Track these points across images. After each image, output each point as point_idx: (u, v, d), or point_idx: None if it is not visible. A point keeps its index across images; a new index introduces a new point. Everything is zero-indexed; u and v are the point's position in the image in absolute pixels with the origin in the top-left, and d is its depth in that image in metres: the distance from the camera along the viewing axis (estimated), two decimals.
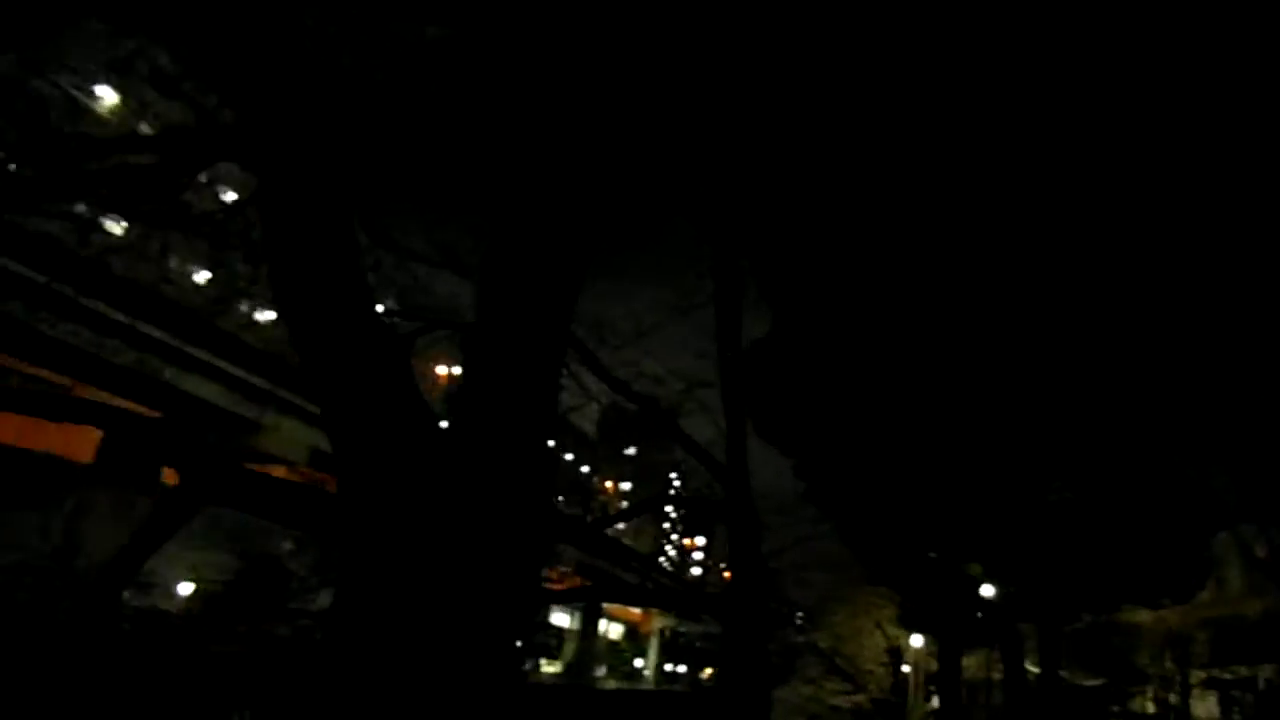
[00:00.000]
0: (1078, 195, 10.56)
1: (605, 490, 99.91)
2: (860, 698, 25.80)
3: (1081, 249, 11.51)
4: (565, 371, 9.79)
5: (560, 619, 69.53)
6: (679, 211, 11.56)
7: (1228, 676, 28.98)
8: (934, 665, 24.86)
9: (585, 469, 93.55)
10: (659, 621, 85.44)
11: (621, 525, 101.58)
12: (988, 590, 19.82)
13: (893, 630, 25.65)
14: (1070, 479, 16.10)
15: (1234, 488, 15.82)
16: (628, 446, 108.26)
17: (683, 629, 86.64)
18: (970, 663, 31.77)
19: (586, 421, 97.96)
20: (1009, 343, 14.51)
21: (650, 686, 71.23)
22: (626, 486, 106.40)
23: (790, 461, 18.31)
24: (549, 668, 60.51)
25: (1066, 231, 11.20)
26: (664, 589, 67.58)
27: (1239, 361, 13.53)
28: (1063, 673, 18.11)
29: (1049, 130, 9.63)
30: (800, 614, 32.37)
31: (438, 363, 27.76)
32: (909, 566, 17.98)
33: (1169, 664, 30.09)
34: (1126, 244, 11.16)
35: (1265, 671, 27.66)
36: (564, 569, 55.36)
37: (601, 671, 75.14)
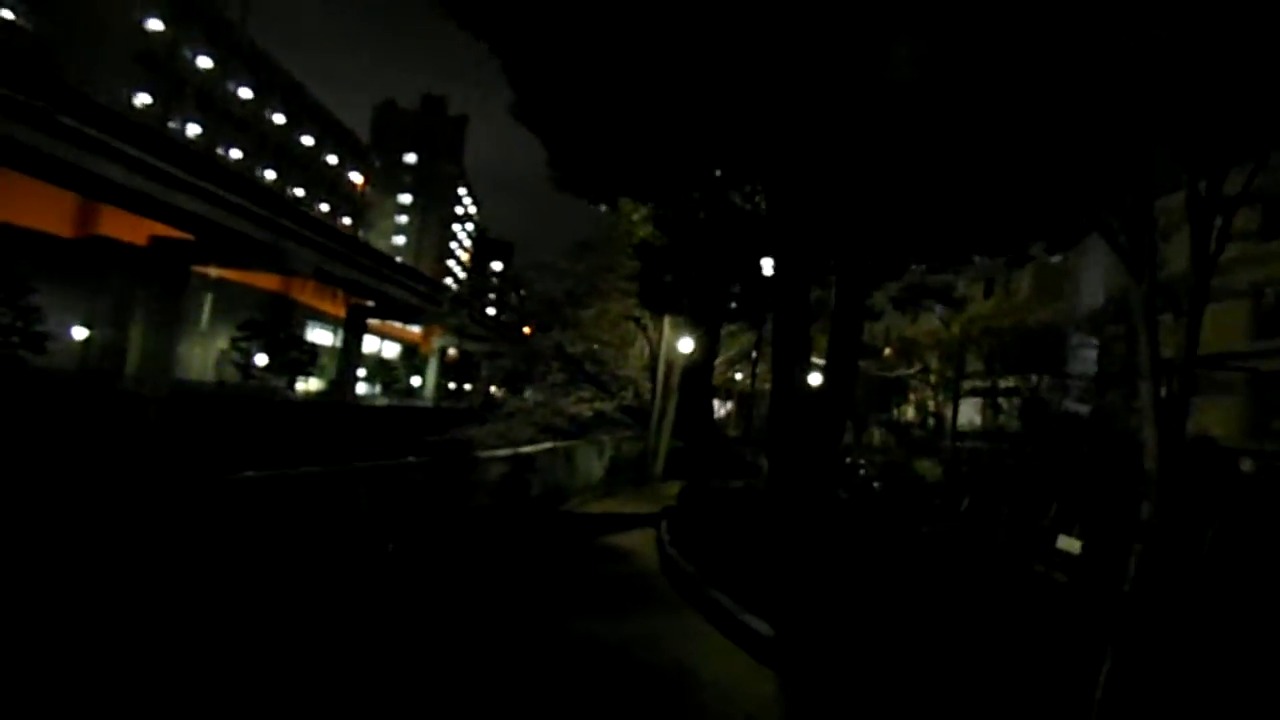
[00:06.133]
0: None
1: (360, 189, 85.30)
2: (607, 404, 21.22)
3: None
4: None
5: (321, 336, 63.57)
6: None
7: (1008, 384, 27.38)
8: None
9: (353, 175, 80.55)
10: (439, 341, 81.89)
11: (400, 240, 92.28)
12: (767, 264, 14.62)
13: (653, 325, 20.69)
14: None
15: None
16: (406, 153, 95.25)
17: (468, 348, 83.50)
18: (744, 378, 28.53)
19: (358, 123, 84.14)
20: None
21: (428, 404, 68.73)
22: (406, 199, 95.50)
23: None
24: (305, 385, 55.08)
25: None
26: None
27: None
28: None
29: None
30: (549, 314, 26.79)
31: None
32: (660, 187, 11.22)
33: (943, 369, 28.37)
34: None
35: (1037, 381, 26.02)
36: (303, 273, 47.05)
37: (375, 389, 72.19)
